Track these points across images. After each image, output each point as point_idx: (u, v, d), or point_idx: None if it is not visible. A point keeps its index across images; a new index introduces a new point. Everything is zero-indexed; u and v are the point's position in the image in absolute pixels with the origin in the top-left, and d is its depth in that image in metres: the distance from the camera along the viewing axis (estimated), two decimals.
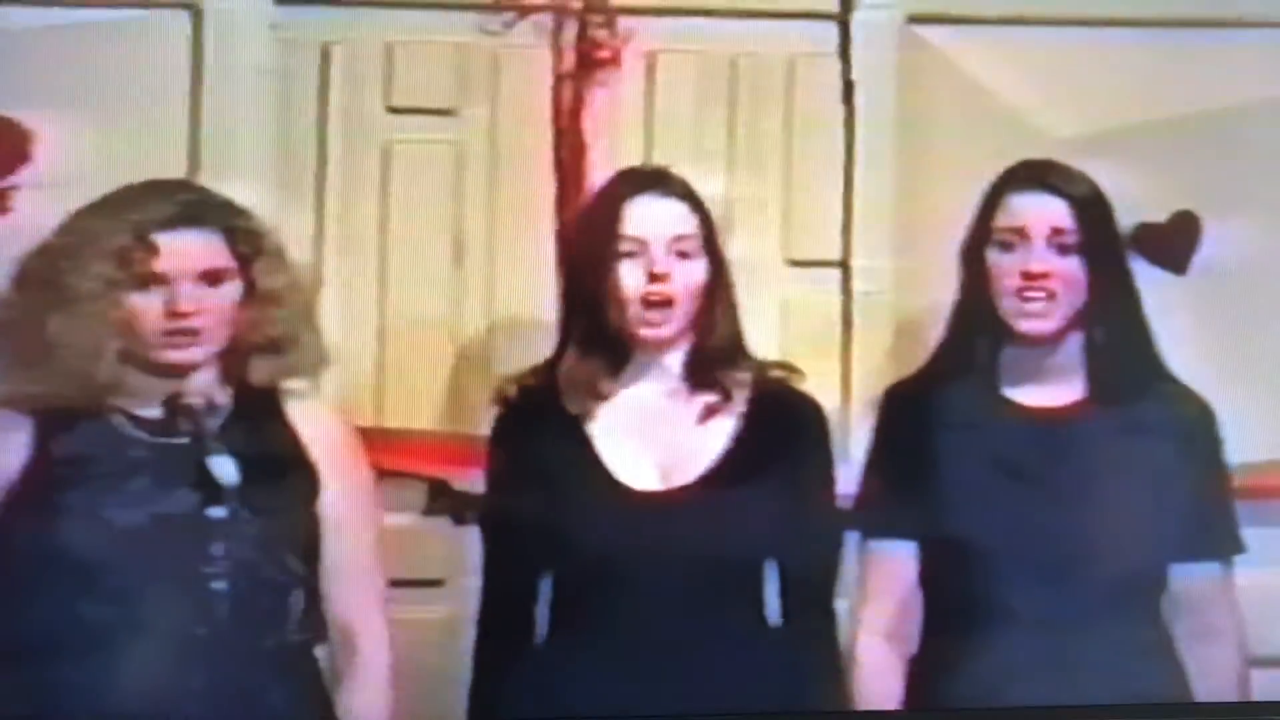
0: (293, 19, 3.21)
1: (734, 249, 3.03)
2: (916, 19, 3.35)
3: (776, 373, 2.98)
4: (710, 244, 2.93)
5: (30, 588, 2.72)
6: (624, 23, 3.29)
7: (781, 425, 2.95)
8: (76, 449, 2.74)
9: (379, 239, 3.25)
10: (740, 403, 2.94)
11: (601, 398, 2.91)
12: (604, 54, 3.31)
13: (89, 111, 3.08)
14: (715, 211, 2.97)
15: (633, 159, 3.23)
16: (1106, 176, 3.03)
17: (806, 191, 3.33)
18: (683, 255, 2.91)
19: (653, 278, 2.88)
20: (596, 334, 2.91)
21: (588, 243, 2.94)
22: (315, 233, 3.20)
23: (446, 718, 2.96)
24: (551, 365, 2.95)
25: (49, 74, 3.08)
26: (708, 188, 3.05)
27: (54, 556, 2.72)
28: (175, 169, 3.07)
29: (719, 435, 2.93)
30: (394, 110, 3.27)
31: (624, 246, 2.90)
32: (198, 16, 3.17)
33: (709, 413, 2.91)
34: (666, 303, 2.89)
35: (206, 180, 3.04)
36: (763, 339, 3.05)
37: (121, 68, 3.10)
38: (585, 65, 3.31)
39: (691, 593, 2.86)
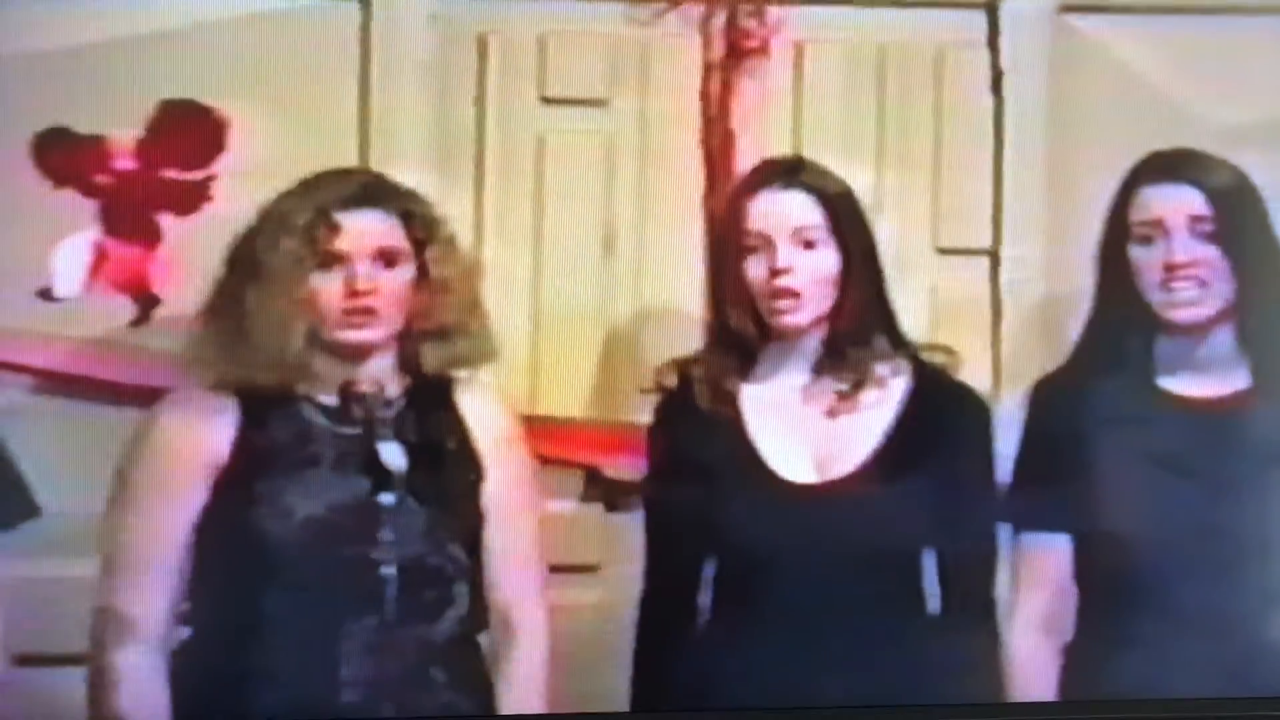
0: (451, 10, 3.24)
1: (883, 238, 3.06)
2: (1068, 8, 3.35)
3: (935, 357, 3.01)
4: (839, 232, 2.96)
5: (230, 573, 2.80)
6: (772, 12, 3.31)
7: (941, 415, 2.99)
8: (270, 435, 2.83)
9: (533, 228, 3.28)
10: (898, 391, 2.98)
11: (727, 397, 2.96)
12: (752, 43, 3.33)
13: (274, 101, 3.12)
14: (849, 200, 3.00)
15: (781, 149, 3.25)
16: (1265, 166, 3.06)
17: (956, 180, 3.33)
18: (808, 245, 2.95)
19: (774, 272, 2.94)
20: (726, 330, 2.98)
21: (717, 239, 3.03)
22: (473, 222, 3.22)
23: (602, 703, 3.04)
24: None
25: (238, 64, 3.12)
26: (855, 177, 3.09)
27: (247, 543, 2.79)
28: (347, 158, 3.12)
29: (876, 425, 2.97)
30: (548, 101, 3.31)
31: (749, 241, 2.96)
32: (366, 7, 3.20)
33: (850, 401, 2.95)
34: (792, 294, 2.93)
35: (374, 169, 3.08)
36: (912, 327, 3.07)
37: (300, 57, 3.14)
38: (734, 55, 3.33)
39: (851, 582, 2.91)
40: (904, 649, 2.92)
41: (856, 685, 2.90)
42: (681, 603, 2.95)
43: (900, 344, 3.01)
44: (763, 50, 3.35)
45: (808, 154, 3.22)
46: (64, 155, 3.10)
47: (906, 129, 3.37)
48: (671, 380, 3.02)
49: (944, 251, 3.37)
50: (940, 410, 2.99)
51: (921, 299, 3.28)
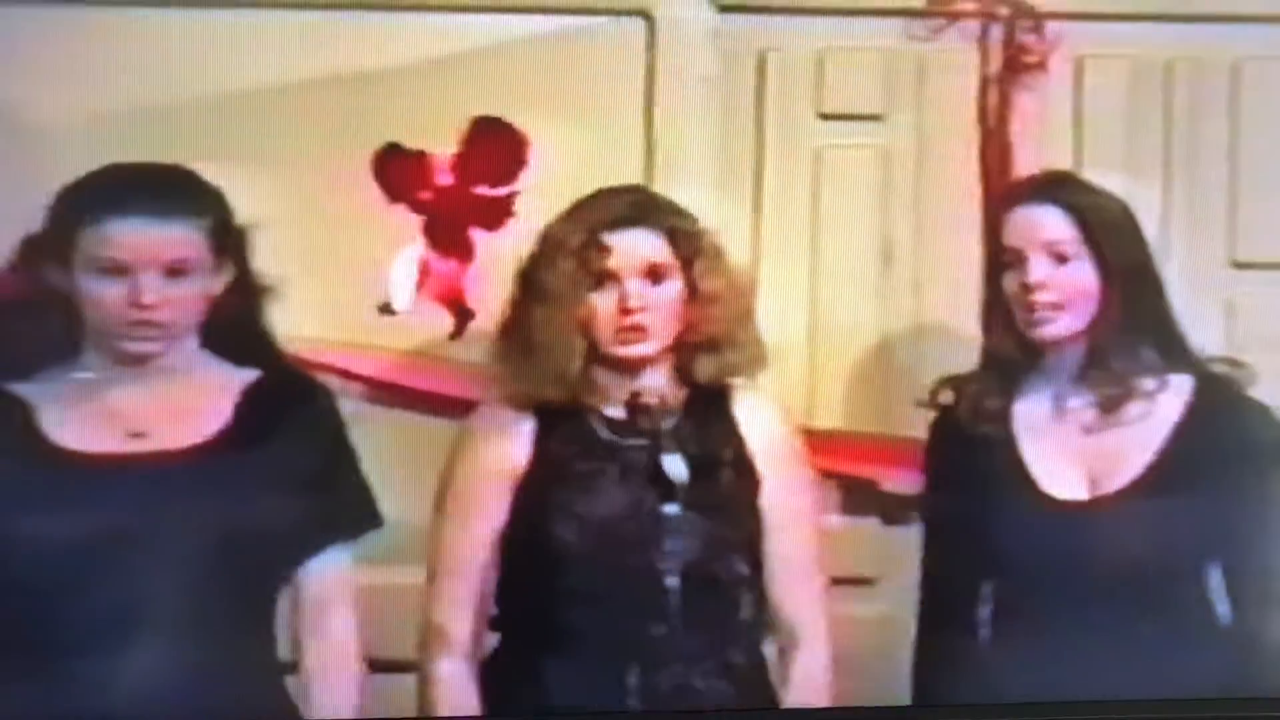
0: (734, 27, 3.30)
1: (1173, 252, 3.10)
2: None
3: (1223, 370, 2.98)
4: (1095, 245, 2.93)
5: (529, 582, 2.86)
6: (1052, 27, 3.31)
7: (1226, 429, 2.95)
8: (563, 448, 2.89)
9: (810, 242, 3.32)
10: (1173, 405, 2.95)
11: (996, 415, 2.96)
12: (1031, 58, 3.33)
13: (566, 117, 3.21)
14: (1109, 213, 2.96)
15: (1061, 163, 3.25)
16: None
17: (1253, 194, 3.32)
18: (1060, 259, 2.93)
19: (1026, 287, 2.93)
20: (997, 348, 2.98)
21: (986, 255, 3.03)
22: (752, 236, 3.28)
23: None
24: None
25: (533, 82, 3.20)
26: (1140, 192, 3.08)
27: (544, 552, 2.85)
28: (633, 173, 3.20)
29: (1149, 439, 2.94)
30: (824, 116, 3.34)
31: (1005, 257, 2.96)
32: (651, 25, 3.27)
33: (1111, 415, 2.92)
34: (1045, 308, 2.92)
35: (658, 185, 3.17)
36: (1207, 341, 3.04)
37: (589, 74, 3.22)
38: (1012, 69, 3.33)
39: (1131, 595, 2.89)
40: (1195, 658, 2.90)
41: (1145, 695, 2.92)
42: (960, 618, 2.95)
43: (1178, 357, 2.98)
44: (1041, 65, 3.35)
45: (1089, 169, 3.23)
46: (396, 171, 3.20)
47: (1197, 142, 3.36)
48: (947, 398, 3.03)
49: (1241, 265, 3.36)
50: (1225, 424, 2.96)
51: (1215, 313, 3.29)
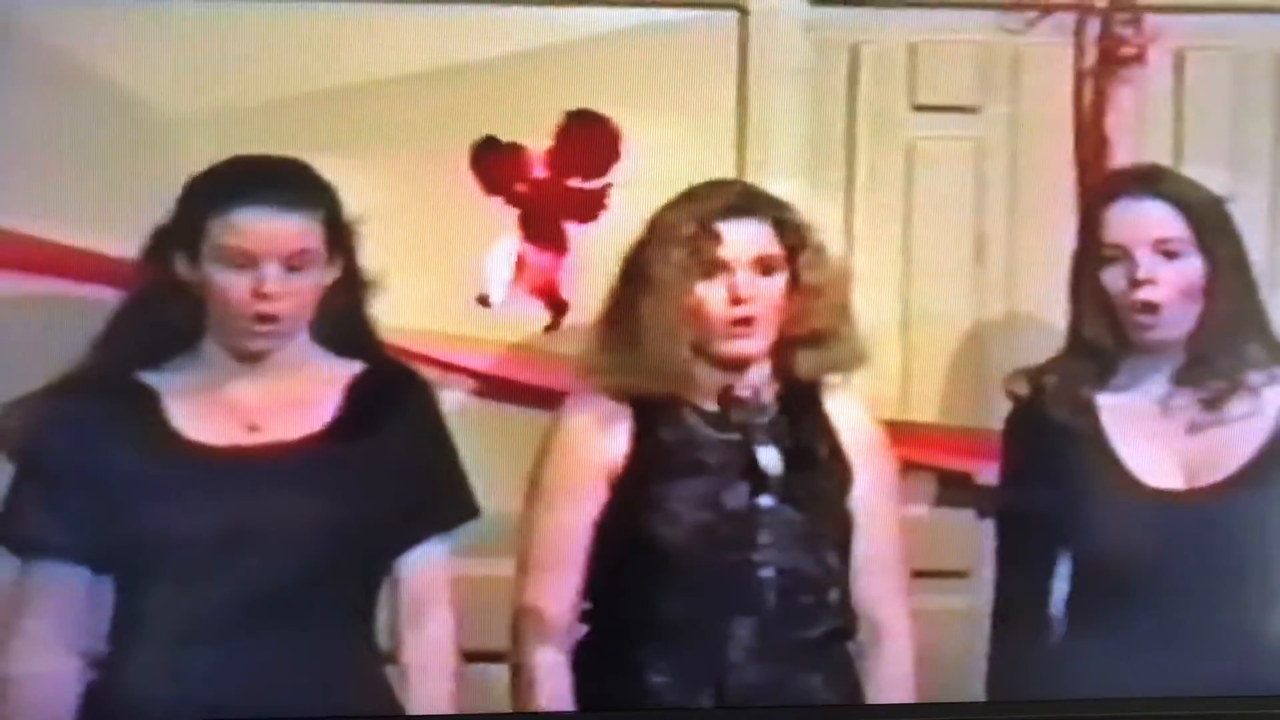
0: (826, 19, 3.29)
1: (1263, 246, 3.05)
2: None
3: None
4: (1203, 242, 2.92)
5: (624, 573, 2.87)
6: (1151, 19, 3.29)
7: None
8: (660, 440, 2.89)
9: (903, 235, 3.31)
10: (1276, 399, 2.94)
11: (1084, 406, 2.95)
12: (1129, 51, 3.30)
13: (658, 110, 3.20)
14: (1213, 208, 2.95)
15: (1160, 157, 3.22)
16: None
17: None
18: (1170, 256, 2.92)
19: (1135, 284, 2.92)
20: (1082, 339, 2.97)
21: (1077, 249, 3.00)
22: (844, 228, 3.27)
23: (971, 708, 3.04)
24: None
25: (626, 75, 3.21)
26: (1244, 185, 3.08)
27: (639, 544, 2.86)
28: (725, 166, 3.19)
29: (1251, 433, 2.93)
30: (918, 108, 3.33)
31: (1106, 252, 2.94)
32: (744, 17, 3.26)
33: (1215, 410, 2.91)
34: (1155, 307, 2.91)
35: (750, 178, 3.16)
36: None
37: (682, 67, 3.22)
38: (1108, 62, 3.31)
39: (1227, 586, 2.89)
40: None
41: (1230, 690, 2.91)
42: (1036, 611, 2.95)
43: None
44: (1139, 58, 3.33)
45: (1190, 163, 3.21)
46: (493, 164, 3.21)
47: None
48: (1022, 389, 3.02)
49: None
50: None
51: None
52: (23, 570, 2.73)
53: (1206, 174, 3.10)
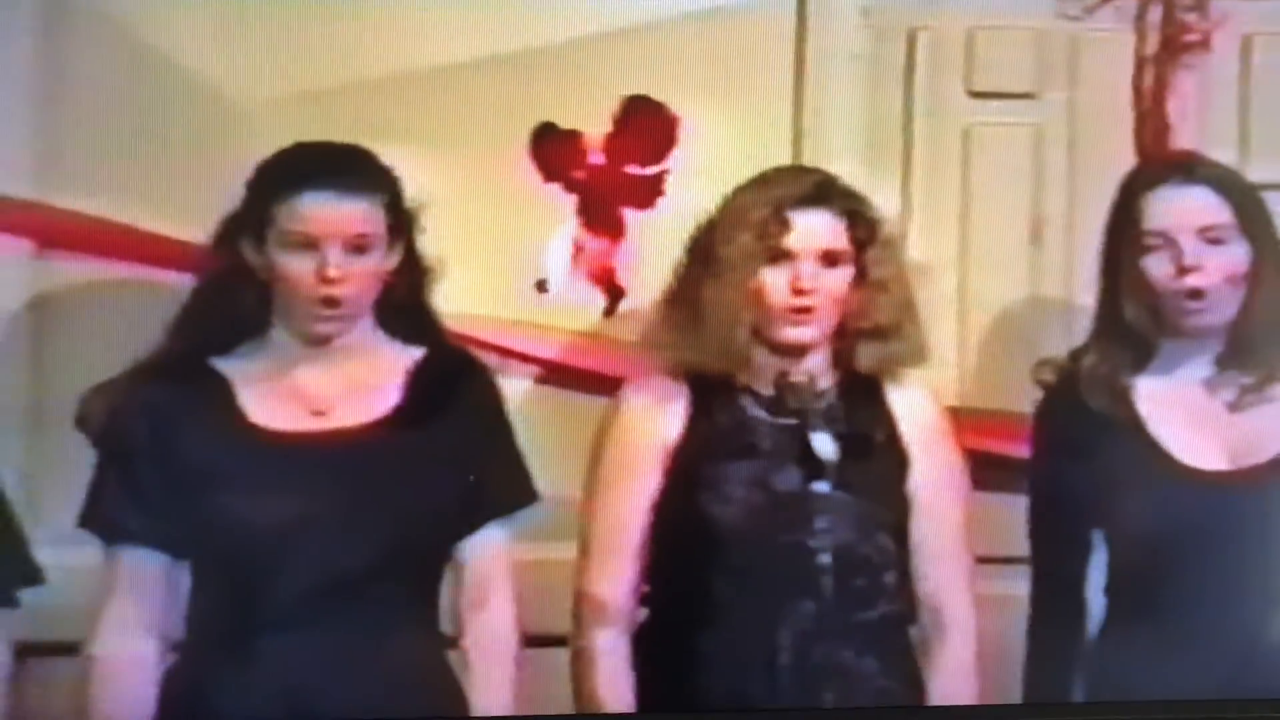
0: (882, 5, 3.30)
1: None
2: None
3: None
4: (1248, 228, 2.90)
5: (681, 556, 2.88)
6: (1217, 5, 3.27)
7: None
8: (714, 422, 2.90)
9: (959, 220, 3.31)
10: None
11: (1120, 391, 2.94)
12: (1193, 37, 3.30)
13: (715, 96, 3.22)
14: (1255, 194, 2.93)
15: (1224, 144, 3.22)
16: None
17: None
18: (1214, 242, 2.90)
19: (1182, 270, 2.90)
20: (1119, 324, 2.95)
21: (1109, 236, 2.98)
22: (900, 214, 3.25)
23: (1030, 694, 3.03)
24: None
25: (682, 60, 3.22)
26: None
27: (694, 526, 2.87)
28: (782, 151, 3.21)
29: None
30: (975, 94, 3.33)
31: (1147, 241, 2.92)
32: (801, 4, 3.27)
33: (1257, 394, 2.90)
34: (1202, 294, 2.89)
35: (806, 163, 3.17)
36: None
37: (738, 53, 3.23)
38: (1171, 48, 3.30)
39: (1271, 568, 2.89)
40: None
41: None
42: (1074, 595, 2.95)
43: None
44: (1203, 44, 3.32)
45: (1256, 150, 3.21)
46: (551, 150, 3.24)
47: None
48: (1049, 376, 3.02)
49: None
50: None
51: None
52: (108, 555, 2.77)
53: (1273, 160, 3.11)
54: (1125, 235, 2.95)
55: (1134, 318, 2.94)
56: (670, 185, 3.24)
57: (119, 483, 2.78)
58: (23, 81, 3.11)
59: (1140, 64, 3.30)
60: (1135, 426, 2.94)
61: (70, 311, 3.12)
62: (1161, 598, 2.89)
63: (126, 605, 2.75)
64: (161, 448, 2.77)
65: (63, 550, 2.77)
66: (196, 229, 2.91)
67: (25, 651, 2.78)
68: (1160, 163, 3.08)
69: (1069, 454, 2.96)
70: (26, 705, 2.74)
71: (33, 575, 2.74)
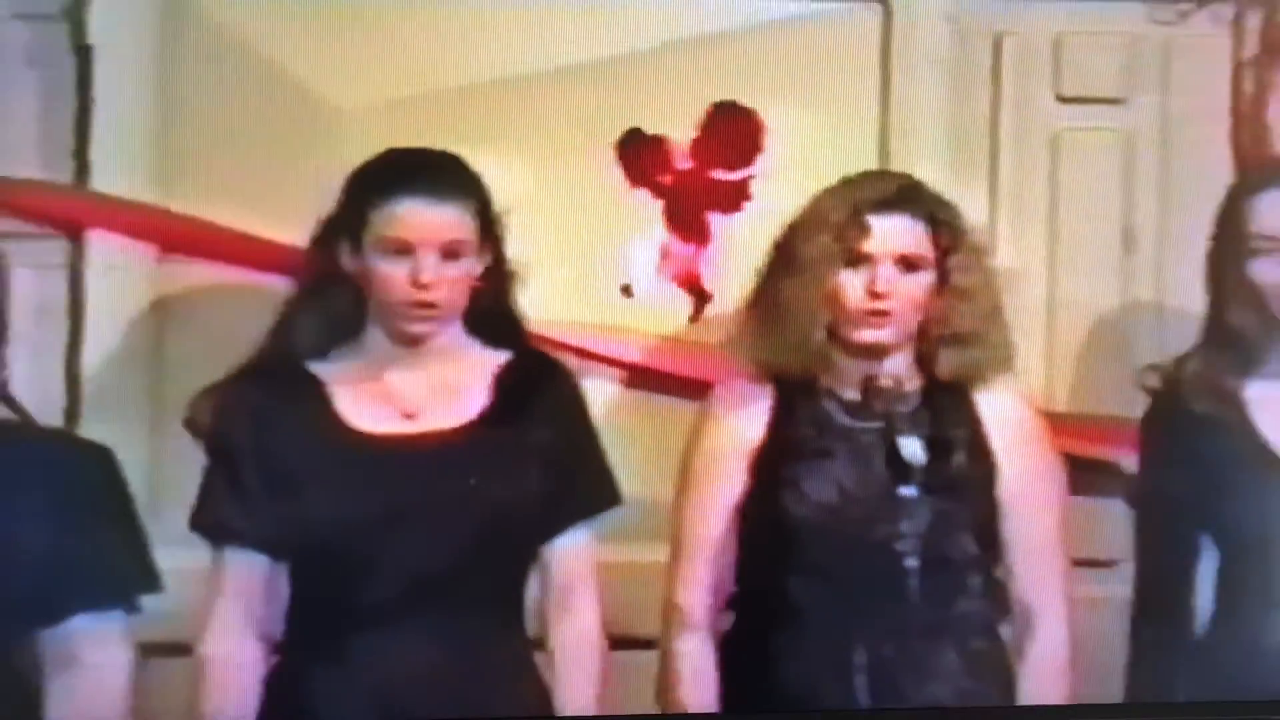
0: (969, 10, 3.30)
1: None
2: None
3: None
4: None
5: (765, 559, 2.88)
6: None
7: None
8: (797, 424, 2.90)
9: (1048, 226, 3.31)
10: None
11: (1228, 395, 2.93)
12: None
13: (802, 101, 3.24)
14: None
15: None
16: None
17: None
18: None
19: None
20: (1225, 328, 2.95)
21: (1215, 242, 2.98)
22: (988, 220, 3.26)
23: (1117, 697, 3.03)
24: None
25: (769, 66, 3.24)
26: None
27: (778, 529, 2.86)
28: (868, 157, 3.22)
29: None
30: (1063, 99, 3.32)
31: (1255, 244, 2.92)
32: (888, 9, 3.28)
33: None
34: None
35: (893, 168, 3.17)
36: None
37: (825, 59, 3.24)
38: (1271, 52, 3.29)
39: None
40: None
41: None
42: (1178, 602, 2.95)
43: None
44: None
45: None
46: (638, 156, 3.27)
47: None
48: (1154, 382, 3.01)
49: None
50: None
51: None
52: (214, 556, 2.80)
53: None
54: (1232, 239, 2.95)
55: (1241, 322, 2.93)
56: (756, 190, 3.26)
57: (224, 485, 2.81)
58: (145, 91, 3.17)
59: (1238, 68, 3.29)
60: (1245, 429, 2.93)
61: (190, 314, 3.17)
62: (1272, 599, 2.88)
63: (231, 606, 2.79)
64: (261, 450, 2.81)
65: (180, 551, 2.80)
66: (298, 233, 2.94)
67: (146, 652, 2.80)
68: (1267, 166, 3.08)
69: (1177, 458, 2.97)
70: (147, 705, 2.77)
71: (153, 583, 2.77)
